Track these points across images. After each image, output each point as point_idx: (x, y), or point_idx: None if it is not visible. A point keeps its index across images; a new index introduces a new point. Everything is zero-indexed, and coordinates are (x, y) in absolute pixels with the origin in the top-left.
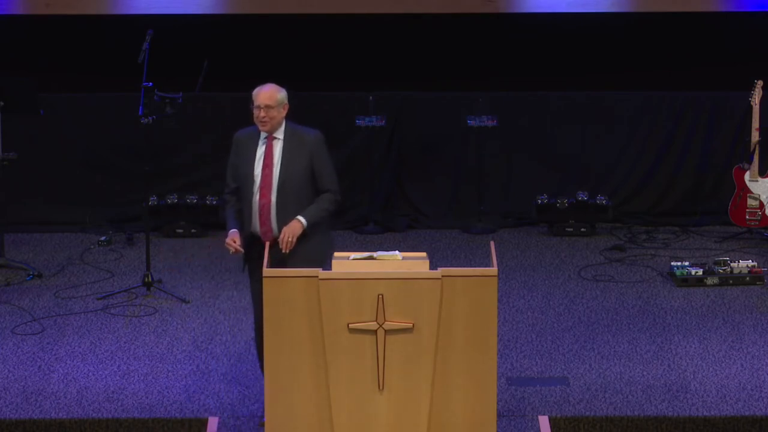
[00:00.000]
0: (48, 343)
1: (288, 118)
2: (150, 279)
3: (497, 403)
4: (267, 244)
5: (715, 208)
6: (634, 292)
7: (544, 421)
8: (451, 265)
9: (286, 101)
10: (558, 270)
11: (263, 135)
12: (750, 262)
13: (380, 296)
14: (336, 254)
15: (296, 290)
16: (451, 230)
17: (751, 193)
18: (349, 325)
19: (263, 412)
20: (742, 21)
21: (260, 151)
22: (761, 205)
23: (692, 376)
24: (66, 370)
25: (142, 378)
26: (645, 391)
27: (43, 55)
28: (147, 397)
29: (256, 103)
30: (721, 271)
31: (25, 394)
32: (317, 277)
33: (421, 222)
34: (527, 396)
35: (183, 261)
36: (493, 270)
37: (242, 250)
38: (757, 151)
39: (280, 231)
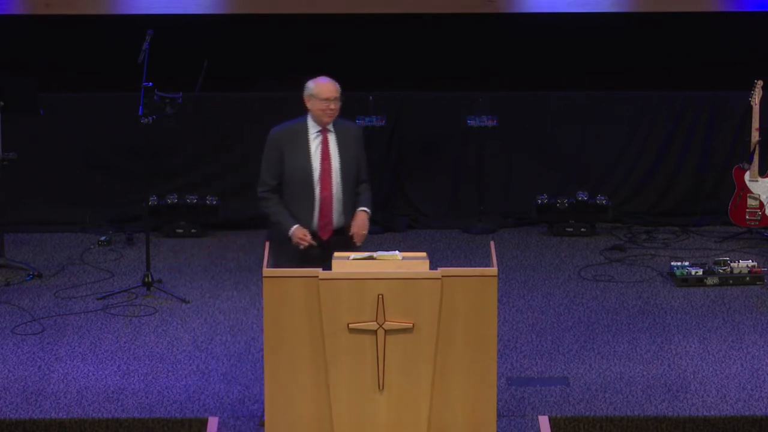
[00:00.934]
0: (48, 343)
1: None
2: (150, 279)
3: (497, 403)
4: (267, 243)
5: (715, 208)
6: (634, 292)
7: (544, 421)
8: (451, 265)
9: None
10: (558, 270)
11: (315, 128)
12: (750, 262)
13: (380, 296)
14: (336, 254)
15: (296, 290)
16: (451, 230)
17: (751, 193)
18: (349, 325)
19: (263, 412)
20: (742, 21)
21: (314, 144)
22: (761, 205)
23: (692, 376)
24: (66, 370)
25: (142, 378)
26: (645, 391)
27: (43, 55)
28: (147, 397)
29: (323, 96)
30: (721, 271)
31: (25, 394)
32: (317, 277)
33: (421, 222)
34: (527, 396)
35: (183, 261)
36: (493, 270)
37: (315, 243)
38: (757, 151)
39: (338, 223)
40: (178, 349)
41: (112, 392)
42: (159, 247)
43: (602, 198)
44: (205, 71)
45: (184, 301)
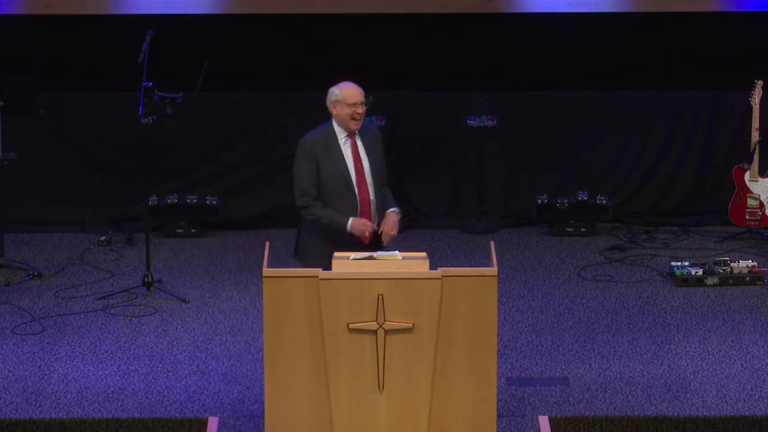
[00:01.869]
0: (48, 343)
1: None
2: (150, 279)
3: (497, 403)
4: (267, 243)
5: (715, 208)
6: (634, 292)
7: (544, 421)
8: (451, 265)
9: None
10: (558, 270)
11: (342, 133)
12: (750, 262)
13: (380, 296)
14: (336, 254)
15: (296, 290)
16: (451, 230)
17: (751, 193)
18: (349, 325)
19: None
20: (742, 21)
21: (346, 149)
22: (761, 205)
23: (692, 376)
24: (66, 370)
25: (142, 378)
26: (645, 391)
27: (43, 55)
28: (147, 397)
29: (351, 102)
30: (721, 271)
31: (25, 394)
32: (317, 277)
33: (421, 222)
34: (527, 396)
35: (183, 261)
36: (493, 270)
37: (377, 230)
38: (757, 151)
39: (376, 223)
40: (178, 349)
41: (112, 392)
42: (159, 247)
43: (602, 198)
44: (205, 71)
45: (184, 301)
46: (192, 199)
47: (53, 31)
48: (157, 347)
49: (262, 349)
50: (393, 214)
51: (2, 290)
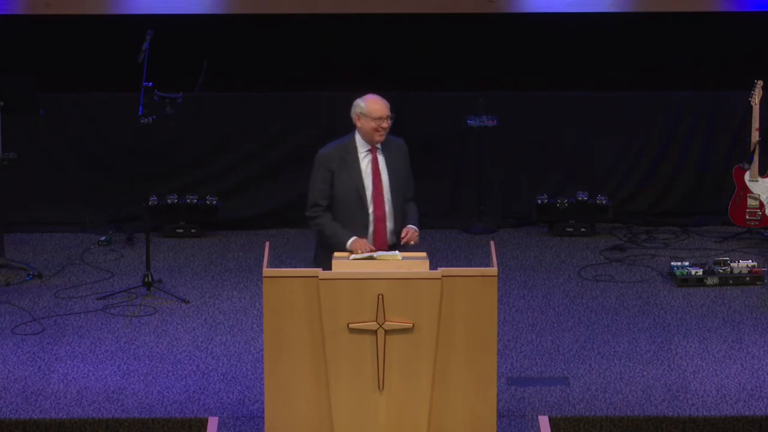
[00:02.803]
0: (48, 343)
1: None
2: (150, 279)
3: (497, 403)
4: (267, 243)
5: (715, 208)
6: (634, 292)
7: (544, 421)
8: (451, 265)
9: None
10: (558, 270)
11: (364, 147)
12: (750, 262)
13: (380, 296)
14: (336, 254)
15: (296, 290)
16: (451, 230)
17: (751, 193)
18: (349, 325)
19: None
20: (742, 21)
21: (365, 162)
22: (761, 205)
23: (692, 376)
24: (66, 370)
25: (142, 378)
26: (645, 391)
27: (43, 55)
28: (147, 397)
29: (376, 116)
30: (721, 271)
31: (25, 394)
32: (317, 277)
33: (421, 222)
34: (527, 396)
35: (183, 261)
36: (493, 270)
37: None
38: (757, 151)
39: (391, 241)
40: (178, 349)
41: (112, 392)
42: (159, 247)
43: (602, 198)
44: (205, 71)
45: (184, 301)
46: (192, 199)
47: (53, 31)
48: (157, 347)
49: (262, 349)
50: (412, 228)
51: (2, 290)
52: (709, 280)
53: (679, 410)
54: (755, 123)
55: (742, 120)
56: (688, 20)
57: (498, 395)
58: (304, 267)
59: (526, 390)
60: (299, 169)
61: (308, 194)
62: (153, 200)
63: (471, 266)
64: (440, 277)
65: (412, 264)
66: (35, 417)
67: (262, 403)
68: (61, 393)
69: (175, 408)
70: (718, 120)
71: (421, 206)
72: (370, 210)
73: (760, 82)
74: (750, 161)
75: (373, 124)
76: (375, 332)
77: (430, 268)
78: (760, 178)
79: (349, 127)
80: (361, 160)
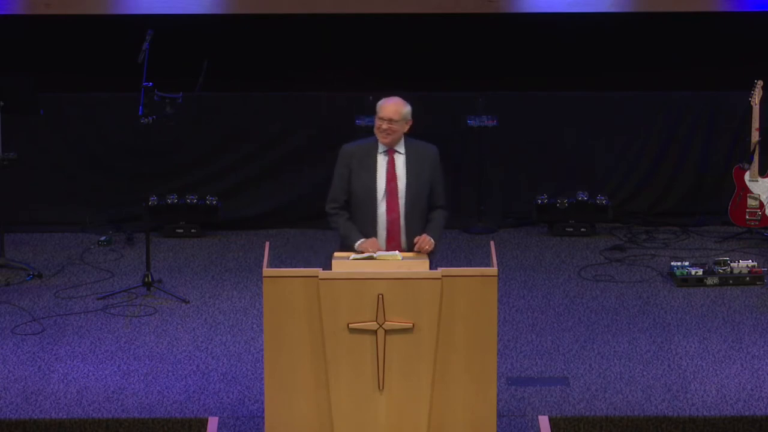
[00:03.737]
0: (48, 343)
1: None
2: (150, 279)
3: (497, 403)
4: (267, 243)
5: (715, 208)
6: (634, 292)
7: (544, 421)
8: (451, 265)
9: (410, 117)
10: (558, 270)
11: (383, 148)
12: (750, 262)
13: (380, 296)
14: (336, 254)
15: (296, 290)
16: (451, 230)
17: (751, 193)
18: (349, 325)
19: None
20: (742, 21)
21: (381, 164)
22: (761, 205)
23: (692, 376)
24: (66, 370)
25: (142, 378)
26: (645, 391)
27: (43, 55)
28: (147, 397)
29: (380, 115)
30: (721, 271)
31: (25, 394)
32: (317, 277)
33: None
34: (527, 396)
35: (183, 261)
36: (493, 270)
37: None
38: (757, 151)
39: (408, 244)
40: (178, 349)
41: (112, 392)
42: (159, 247)
43: (602, 198)
44: (205, 71)
45: (184, 301)
46: (192, 199)
47: (53, 31)
48: (157, 347)
49: (262, 349)
50: (427, 237)
51: (2, 290)
52: (709, 280)
53: (679, 410)
54: (755, 123)
55: (742, 120)
56: (688, 20)
57: (498, 395)
58: (323, 263)
59: (526, 390)
60: (299, 169)
61: (330, 189)
62: (153, 200)
63: (471, 266)
64: (440, 277)
65: (412, 264)
66: (35, 417)
67: (262, 403)
68: (61, 393)
69: (175, 408)
70: (718, 120)
71: None
72: (381, 210)
73: (760, 82)
74: (750, 161)
75: (377, 122)
76: (375, 332)
77: (430, 268)
78: (760, 178)
79: (349, 127)
80: (378, 161)
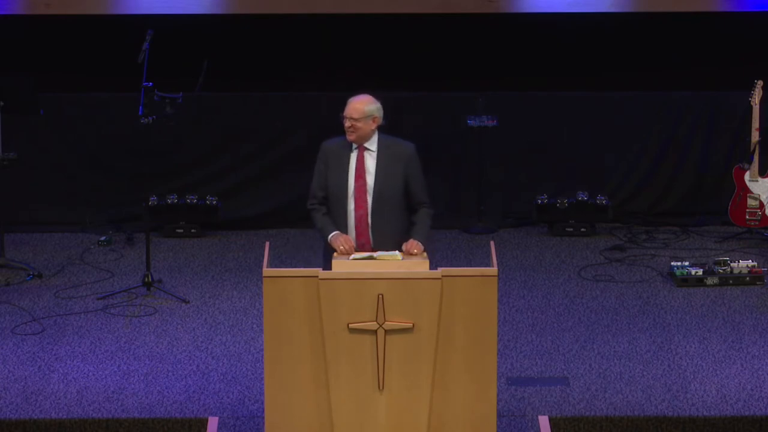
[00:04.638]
0: (48, 343)
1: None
2: (150, 279)
3: (497, 403)
4: (267, 243)
5: (715, 208)
6: (634, 292)
7: (544, 421)
8: (451, 265)
9: (376, 114)
10: (558, 270)
11: (354, 146)
12: (750, 262)
13: (380, 296)
14: (336, 254)
15: (296, 290)
16: (451, 230)
17: (751, 193)
18: (349, 325)
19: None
20: (742, 21)
21: (352, 161)
22: (761, 205)
23: (692, 376)
24: (66, 370)
25: (142, 378)
26: (645, 391)
27: (43, 55)
28: (147, 397)
29: (344, 113)
30: (721, 271)
31: (25, 394)
32: (317, 277)
33: None
34: (527, 396)
35: (183, 261)
36: (493, 270)
37: (353, 252)
38: (757, 151)
39: (376, 242)
40: (178, 349)
41: (112, 392)
42: (159, 247)
43: (602, 198)
44: (205, 71)
45: (184, 301)
46: (192, 199)
47: (53, 31)
48: (157, 347)
49: (262, 349)
50: (415, 243)
51: (2, 290)
52: (709, 280)
53: (679, 410)
54: (755, 123)
55: (742, 120)
56: (688, 20)
57: (498, 395)
58: (314, 261)
59: (526, 390)
60: (299, 169)
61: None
62: (153, 200)
63: (471, 266)
64: (440, 277)
65: (412, 264)
66: (35, 417)
67: (262, 403)
68: (61, 393)
69: (175, 408)
70: (718, 120)
71: None
72: (350, 208)
73: (760, 82)
74: (750, 161)
75: (343, 120)
76: (375, 332)
77: (430, 268)
78: (760, 178)
79: None
80: (351, 158)
